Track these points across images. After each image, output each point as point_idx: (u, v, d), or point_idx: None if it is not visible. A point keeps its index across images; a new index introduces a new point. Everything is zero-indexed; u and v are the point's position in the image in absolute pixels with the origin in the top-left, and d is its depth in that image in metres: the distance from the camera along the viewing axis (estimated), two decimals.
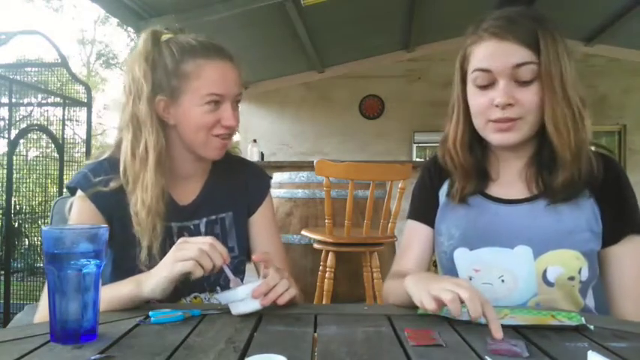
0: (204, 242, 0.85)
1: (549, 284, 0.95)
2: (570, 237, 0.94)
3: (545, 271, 0.94)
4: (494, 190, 1.04)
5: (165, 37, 1.04)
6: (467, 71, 0.98)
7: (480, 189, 1.05)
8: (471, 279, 1.00)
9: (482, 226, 1.01)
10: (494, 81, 0.93)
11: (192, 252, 0.84)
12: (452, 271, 1.04)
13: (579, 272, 0.94)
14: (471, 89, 0.97)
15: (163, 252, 1.04)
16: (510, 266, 0.97)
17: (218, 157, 1.08)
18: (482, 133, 0.99)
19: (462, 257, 1.02)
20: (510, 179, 1.03)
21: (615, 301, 0.97)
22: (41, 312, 0.92)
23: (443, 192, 1.11)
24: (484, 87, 0.94)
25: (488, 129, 0.96)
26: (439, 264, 1.11)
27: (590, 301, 0.98)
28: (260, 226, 1.18)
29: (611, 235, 0.95)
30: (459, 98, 1.02)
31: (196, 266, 0.83)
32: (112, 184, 1.01)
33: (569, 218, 0.95)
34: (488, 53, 0.93)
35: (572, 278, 0.94)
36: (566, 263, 0.94)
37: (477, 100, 0.96)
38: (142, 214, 0.98)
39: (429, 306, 0.75)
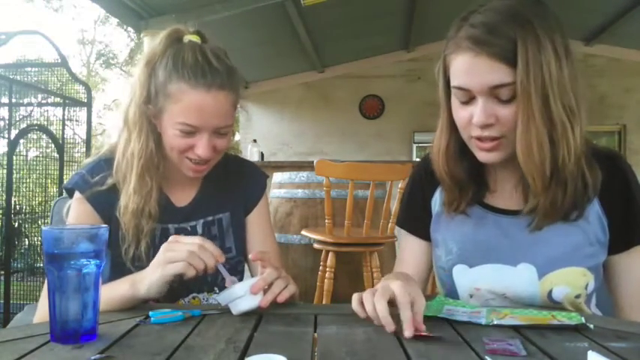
0: (192, 243, 0.85)
1: (555, 302, 0.90)
2: (577, 253, 0.89)
3: (550, 292, 0.89)
4: (492, 200, 0.98)
5: (187, 37, 1.01)
6: (449, 78, 0.90)
7: (477, 199, 0.98)
8: (471, 296, 0.97)
9: (481, 240, 0.96)
10: (474, 97, 0.85)
11: (181, 254, 0.83)
12: (451, 287, 0.99)
13: (586, 288, 0.90)
14: (454, 102, 0.90)
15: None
16: (513, 285, 0.92)
17: (195, 177, 1.07)
18: (469, 146, 0.92)
19: (462, 275, 0.97)
20: (508, 190, 0.96)
21: (622, 311, 0.94)
22: (41, 312, 0.92)
23: (436, 200, 1.05)
24: (465, 102, 0.87)
25: (472, 145, 0.90)
26: (437, 279, 1.05)
27: (592, 305, 0.95)
28: (256, 225, 1.17)
29: (620, 244, 0.91)
30: (444, 105, 0.94)
31: (188, 267, 0.83)
32: (109, 181, 1.03)
33: (575, 232, 0.89)
34: (464, 70, 0.84)
35: (578, 296, 0.90)
36: (573, 282, 0.89)
37: (459, 113, 0.89)
38: (125, 216, 1.00)
39: (354, 308, 0.77)
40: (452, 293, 1.00)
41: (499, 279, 0.93)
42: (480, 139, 0.87)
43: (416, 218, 1.08)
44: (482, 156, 0.89)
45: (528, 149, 0.83)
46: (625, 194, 0.90)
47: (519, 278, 0.91)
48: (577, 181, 0.87)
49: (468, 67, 0.83)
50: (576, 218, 0.89)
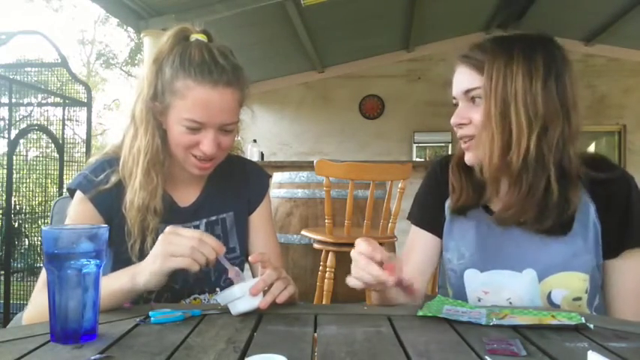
0: (192, 237, 0.84)
1: (555, 306, 0.94)
2: (576, 259, 0.94)
3: (549, 294, 0.94)
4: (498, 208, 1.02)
5: (193, 36, 1.02)
6: None
7: (482, 203, 1.03)
8: (479, 300, 1.00)
9: (492, 246, 1.01)
10: (458, 103, 1.00)
11: (183, 249, 0.83)
12: (461, 289, 1.03)
13: (586, 292, 0.94)
14: None
15: None
16: (518, 289, 0.97)
17: (200, 174, 1.07)
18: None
19: (472, 278, 1.02)
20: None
21: (614, 312, 0.96)
22: (30, 312, 0.92)
23: (449, 201, 1.08)
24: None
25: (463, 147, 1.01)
26: (447, 281, 1.09)
27: (592, 310, 0.97)
28: (258, 225, 1.18)
29: (611, 249, 0.95)
30: None
31: (192, 263, 0.83)
32: (113, 179, 1.03)
33: (575, 239, 0.94)
34: (453, 79, 1.01)
35: (578, 299, 0.94)
36: (572, 286, 0.94)
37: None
38: (131, 211, 1.00)
39: (352, 284, 0.86)
40: (460, 295, 1.03)
41: (506, 283, 0.98)
42: (461, 139, 1.00)
43: (429, 215, 1.11)
44: (466, 158, 1.00)
45: (480, 140, 0.95)
46: (625, 206, 0.93)
47: (523, 282, 0.96)
48: (540, 191, 0.92)
49: (454, 76, 1.00)
50: (563, 233, 0.94)
